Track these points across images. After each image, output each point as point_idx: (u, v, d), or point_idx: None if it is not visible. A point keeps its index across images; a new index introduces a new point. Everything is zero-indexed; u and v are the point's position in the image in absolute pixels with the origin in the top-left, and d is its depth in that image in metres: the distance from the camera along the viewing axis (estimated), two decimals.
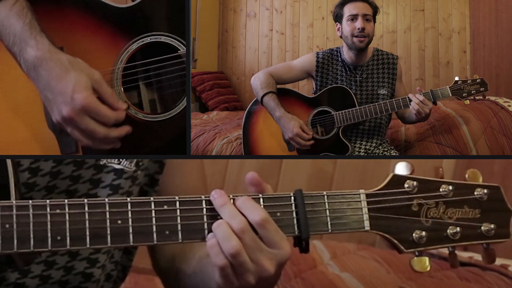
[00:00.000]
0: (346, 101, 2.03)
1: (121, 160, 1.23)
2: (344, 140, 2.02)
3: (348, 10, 2.03)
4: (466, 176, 1.12)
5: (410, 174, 1.10)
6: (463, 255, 2.05)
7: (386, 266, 2.03)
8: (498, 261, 1.91)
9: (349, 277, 1.93)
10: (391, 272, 2.00)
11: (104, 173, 1.22)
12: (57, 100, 1.18)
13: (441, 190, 1.10)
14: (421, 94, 1.91)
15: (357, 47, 2.02)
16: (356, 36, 2.01)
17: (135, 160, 1.25)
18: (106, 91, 1.22)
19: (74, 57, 1.21)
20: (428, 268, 1.07)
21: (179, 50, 1.31)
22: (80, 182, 1.21)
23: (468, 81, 1.92)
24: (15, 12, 1.21)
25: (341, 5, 2.05)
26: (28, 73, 1.21)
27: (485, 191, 1.11)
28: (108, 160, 1.22)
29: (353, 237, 2.58)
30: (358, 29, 2.00)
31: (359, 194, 1.08)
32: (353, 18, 2.02)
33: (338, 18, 2.06)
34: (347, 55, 2.07)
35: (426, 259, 1.08)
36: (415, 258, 1.08)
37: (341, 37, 2.06)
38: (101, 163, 1.22)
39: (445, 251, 1.11)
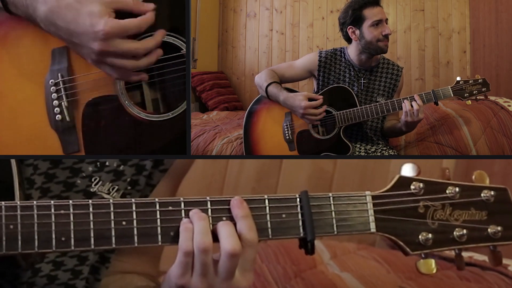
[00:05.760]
0: (347, 101, 2.02)
1: (110, 190, 1.22)
2: (345, 140, 2.02)
3: (372, 14, 2.00)
4: (473, 177, 1.12)
5: (417, 175, 1.10)
6: (463, 254, 2.05)
7: (386, 266, 2.03)
8: None
9: (349, 277, 1.93)
10: (391, 272, 2.00)
11: None
12: (84, 41, 1.19)
13: (447, 192, 1.10)
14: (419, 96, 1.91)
15: (383, 51, 2.02)
16: (382, 41, 2.00)
17: (121, 192, 1.23)
18: (125, 2, 1.22)
19: None
20: (435, 271, 1.07)
21: (182, 49, 1.31)
22: None
23: (470, 81, 1.92)
24: None
25: (360, 8, 2.01)
26: (48, 30, 1.23)
27: (492, 193, 1.11)
28: (99, 189, 1.21)
29: (353, 237, 2.58)
30: (386, 34, 1.99)
31: (365, 195, 1.08)
32: (378, 23, 2.00)
33: (354, 22, 2.02)
34: (356, 57, 2.05)
35: (432, 261, 1.08)
36: (421, 260, 1.08)
37: (355, 40, 2.03)
38: (91, 190, 1.21)
39: (449, 252, 1.11)
